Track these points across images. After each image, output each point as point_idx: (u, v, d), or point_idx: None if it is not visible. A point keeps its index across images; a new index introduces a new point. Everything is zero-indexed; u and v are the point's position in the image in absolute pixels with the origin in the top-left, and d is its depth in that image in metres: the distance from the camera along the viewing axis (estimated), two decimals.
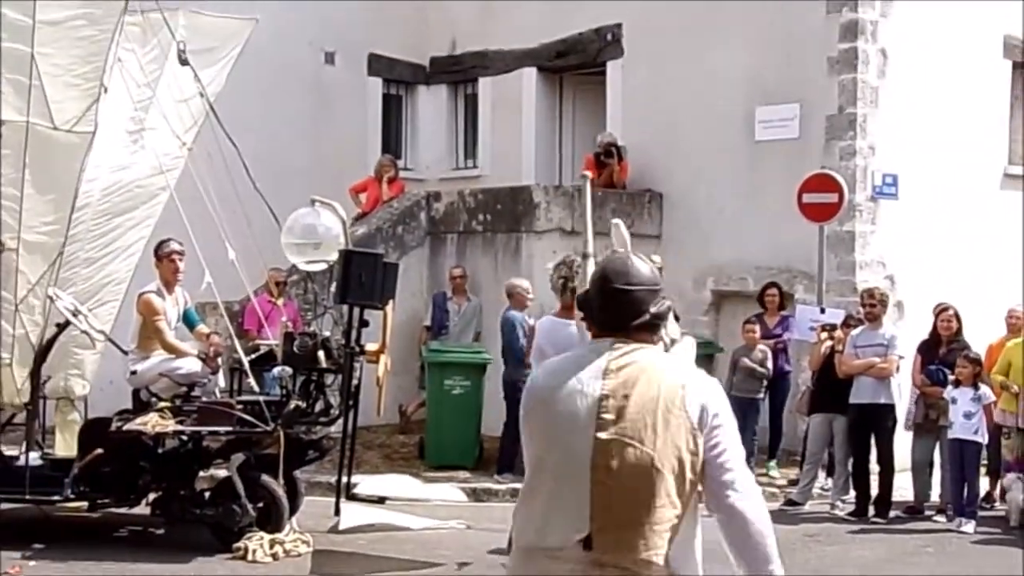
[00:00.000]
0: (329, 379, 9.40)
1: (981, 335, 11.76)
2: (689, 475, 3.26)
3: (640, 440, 3.23)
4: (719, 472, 3.29)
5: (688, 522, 3.31)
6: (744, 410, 12.46)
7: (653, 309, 3.40)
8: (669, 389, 3.27)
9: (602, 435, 3.24)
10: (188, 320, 10.15)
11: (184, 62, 9.50)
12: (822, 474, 11.91)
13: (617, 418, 3.24)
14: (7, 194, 8.87)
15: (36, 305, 9.23)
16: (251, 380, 9.69)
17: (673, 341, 3.74)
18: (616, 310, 3.39)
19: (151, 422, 9.06)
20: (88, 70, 8.79)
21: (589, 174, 5.53)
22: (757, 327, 12.57)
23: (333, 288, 9.95)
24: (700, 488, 3.32)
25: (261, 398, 9.35)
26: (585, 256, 4.68)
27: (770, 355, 12.44)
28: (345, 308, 9.41)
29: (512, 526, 3.49)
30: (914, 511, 11.33)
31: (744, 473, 3.34)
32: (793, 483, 11.99)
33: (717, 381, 3.45)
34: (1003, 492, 11.39)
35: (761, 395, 12.53)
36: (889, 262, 13.60)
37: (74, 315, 9.17)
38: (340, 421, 9.36)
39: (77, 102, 8.78)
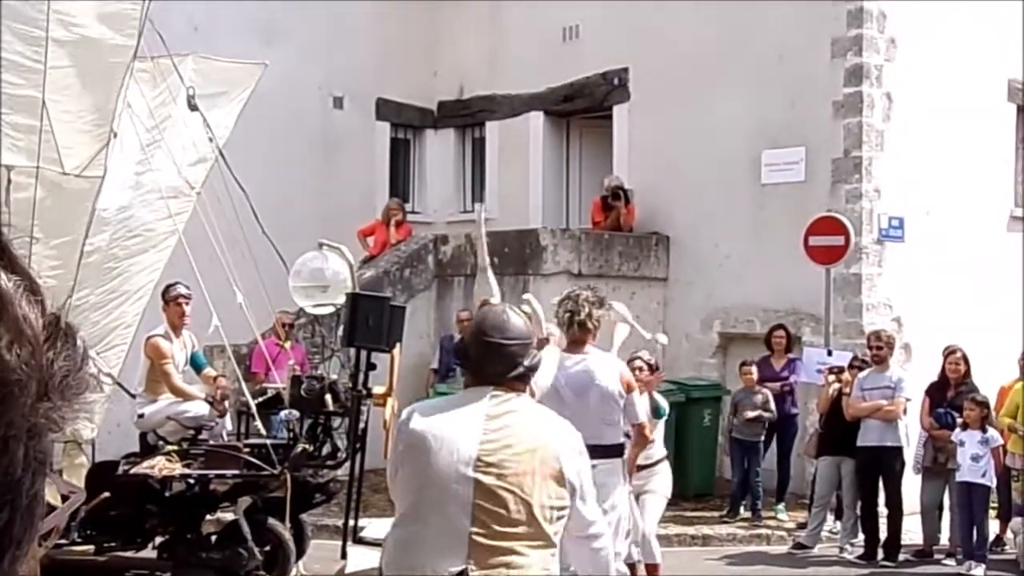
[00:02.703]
0: (336, 422, 9.40)
1: (989, 377, 11.74)
2: (558, 523, 3.50)
3: (520, 487, 3.43)
4: (583, 523, 3.61)
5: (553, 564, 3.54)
6: (746, 452, 12.50)
7: (527, 362, 3.62)
8: (544, 440, 3.52)
9: (484, 479, 3.43)
10: (195, 363, 10.18)
11: (194, 108, 9.59)
12: (831, 517, 11.87)
13: (499, 464, 3.44)
14: (17, 240, 8.90)
15: None
16: (258, 423, 9.70)
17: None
18: (493, 362, 3.60)
19: (158, 465, 9.06)
20: (97, 116, 8.86)
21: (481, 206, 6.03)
22: (754, 369, 12.59)
23: (340, 331, 9.97)
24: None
25: (268, 441, 9.34)
26: (482, 269, 5.27)
27: (771, 396, 12.45)
28: (352, 351, 9.43)
29: (382, 559, 3.67)
30: (924, 554, 11.28)
31: (602, 522, 3.73)
32: (801, 526, 11.95)
33: (579, 434, 3.72)
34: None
35: (763, 437, 12.54)
36: (896, 304, 13.60)
37: None
38: (347, 464, 9.36)
39: (86, 147, 8.84)
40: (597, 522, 3.70)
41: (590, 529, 3.66)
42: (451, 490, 3.42)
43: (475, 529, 3.39)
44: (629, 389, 7.22)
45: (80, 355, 1.12)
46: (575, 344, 7.16)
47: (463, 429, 3.47)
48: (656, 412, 9.51)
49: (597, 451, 6.95)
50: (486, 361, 3.61)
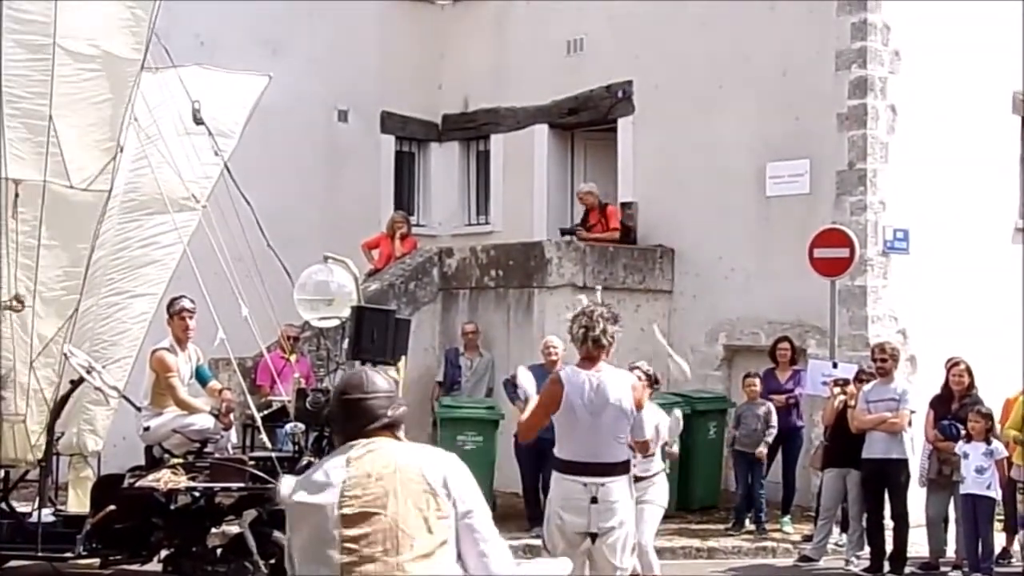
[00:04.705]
0: None
1: (994, 389, 11.72)
2: (438, 534, 3.59)
3: (383, 507, 3.55)
4: (474, 543, 3.67)
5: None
6: (749, 464, 12.48)
7: (390, 412, 3.76)
8: (405, 461, 3.66)
9: (347, 511, 3.56)
10: (200, 376, 10.18)
11: (199, 121, 9.61)
12: (836, 529, 11.84)
13: (361, 494, 3.57)
14: (24, 252, 8.93)
15: (51, 361, 9.27)
16: (263, 436, 9.70)
17: None
18: (356, 417, 3.74)
19: (163, 478, 9.06)
20: (105, 129, 8.89)
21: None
22: (757, 381, 12.58)
23: (345, 344, 9.98)
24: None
25: (273, 454, 9.34)
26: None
27: (773, 409, 12.43)
28: (357, 364, 9.43)
29: None
30: (930, 567, 11.25)
31: (497, 542, 3.73)
32: (807, 539, 11.92)
33: (455, 456, 3.83)
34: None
35: (766, 450, 12.52)
36: (901, 316, 13.59)
37: (88, 372, 9.21)
38: None
39: (94, 161, 8.87)
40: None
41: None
42: (322, 533, 3.57)
43: (346, 559, 3.53)
44: (639, 407, 7.16)
45: None
46: (588, 360, 7.09)
47: (327, 478, 3.63)
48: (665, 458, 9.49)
49: (606, 469, 6.93)
50: (349, 418, 3.75)
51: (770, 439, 12.41)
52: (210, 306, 9.55)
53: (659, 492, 9.18)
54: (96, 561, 9.45)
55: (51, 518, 9.51)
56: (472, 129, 17.67)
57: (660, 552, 9.58)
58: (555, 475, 7.15)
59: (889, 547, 11.12)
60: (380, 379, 3.82)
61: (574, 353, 7.46)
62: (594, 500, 6.85)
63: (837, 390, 11.58)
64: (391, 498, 3.55)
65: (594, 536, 6.89)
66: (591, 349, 7.06)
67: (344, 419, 3.78)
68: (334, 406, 3.84)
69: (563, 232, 15.36)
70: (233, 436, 10.23)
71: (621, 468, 7.07)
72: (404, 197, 17.77)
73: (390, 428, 3.76)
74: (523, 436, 7.51)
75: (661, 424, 9.40)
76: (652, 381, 9.66)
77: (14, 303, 8.99)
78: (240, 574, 8.95)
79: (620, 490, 7.02)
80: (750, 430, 12.38)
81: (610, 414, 6.95)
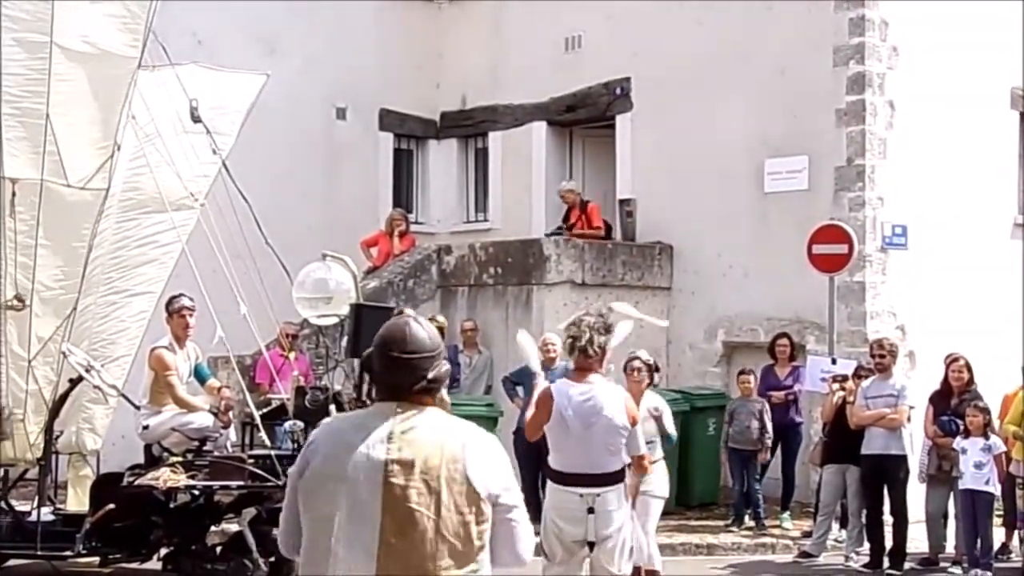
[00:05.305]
0: None
1: (993, 385, 11.72)
2: (476, 539, 3.49)
3: (425, 506, 3.43)
4: (511, 544, 3.60)
5: None
6: (744, 461, 12.47)
7: (431, 375, 3.59)
8: (452, 457, 3.48)
9: (391, 501, 3.42)
10: (199, 374, 10.17)
11: (197, 119, 9.60)
12: (836, 525, 11.84)
13: (404, 484, 3.43)
14: (21, 251, 8.93)
15: (49, 360, 9.26)
16: (263, 434, 9.69)
17: None
18: (395, 376, 3.58)
19: (163, 477, 9.05)
20: (102, 128, 8.88)
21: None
22: (751, 377, 12.58)
23: (344, 342, 9.97)
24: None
25: (273, 452, 9.34)
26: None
27: (768, 407, 12.41)
28: (356, 362, 9.42)
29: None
30: (929, 563, 11.25)
31: (526, 532, 3.65)
32: (807, 535, 11.92)
33: (496, 441, 3.65)
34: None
35: (759, 447, 12.51)
36: (900, 312, 13.59)
37: (87, 370, 9.20)
38: None
39: (91, 159, 8.86)
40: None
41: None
42: (358, 514, 3.43)
43: (384, 553, 3.40)
44: (633, 423, 7.15)
45: None
46: (580, 371, 7.09)
47: (368, 451, 3.47)
48: (667, 439, 9.46)
49: (601, 479, 6.96)
50: (388, 376, 3.61)
51: (768, 441, 12.41)
52: (209, 304, 9.54)
53: (659, 482, 9.13)
54: (95, 560, 9.44)
55: (50, 517, 9.50)
56: (470, 126, 17.67)
57: (660, 549, 9.55)
58: (550, 485, 7.18)
59: (889, 543, 11.12)
60: (423, 333, 3.62)
61: None
62: (591, 510, 6.88)
63: (836, 386, 11.57)
64: (435, 499, 3.43)
65: (591, 544, 6.92)
66: (579, 359, 7.06)
67: (383, 373, 3.62)
68: (375, 357, 3.64)
69: (548, 236, 15.32)
70: (232, 434, 10.22)
71: (615, 478, 7.10)
72: (402, 195, 17.77)
73: (429, 391, 3.60)
74: (529, 436, 7.51)
75: (664, 415, 9.38)
76: (652, 370, 9.63)
77: (15, 302, 8.99)
78: (239, 572, 8.95)
79: (616, 498, 7.06)
80: (743, 427, 12.38)
81: (602, 427, 6.95)
